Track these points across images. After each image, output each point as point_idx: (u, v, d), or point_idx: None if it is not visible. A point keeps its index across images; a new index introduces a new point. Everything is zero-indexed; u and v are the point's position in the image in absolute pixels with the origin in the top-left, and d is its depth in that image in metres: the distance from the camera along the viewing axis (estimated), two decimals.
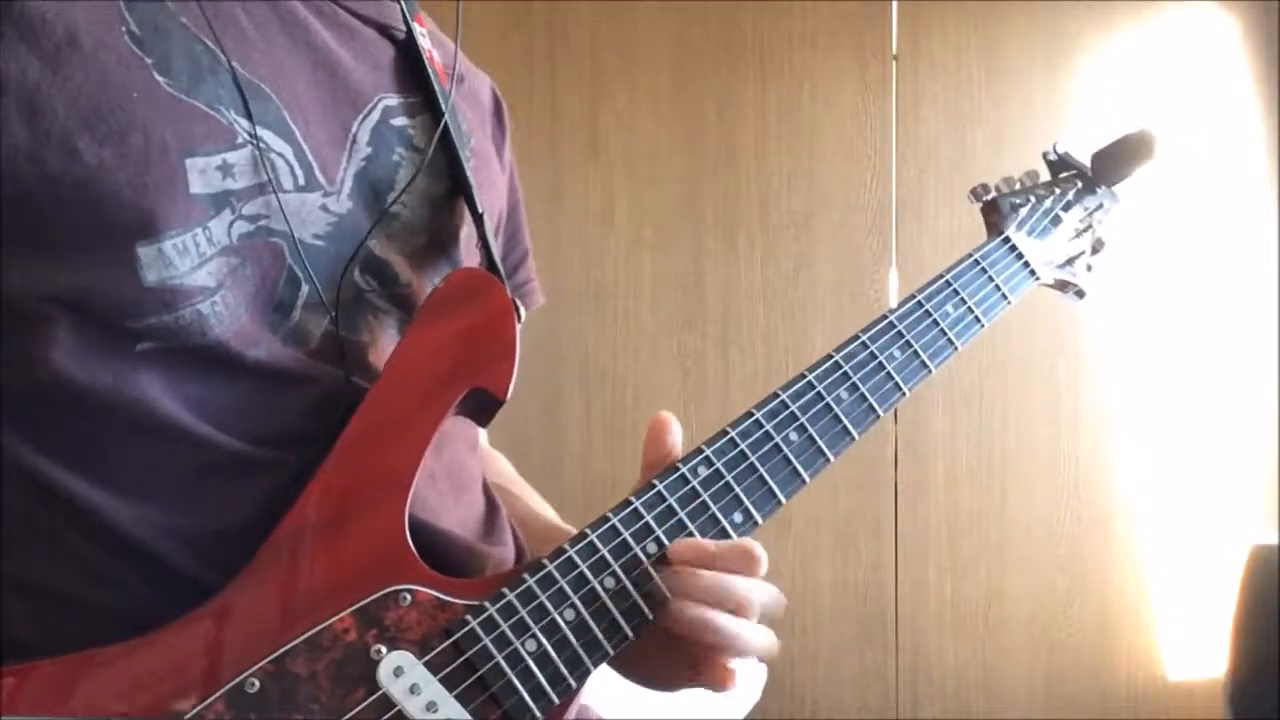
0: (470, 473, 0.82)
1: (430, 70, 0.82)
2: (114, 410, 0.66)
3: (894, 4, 2.52)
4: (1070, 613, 2.53)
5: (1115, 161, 1.04)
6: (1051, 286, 1.03)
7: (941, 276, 0.91)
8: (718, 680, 0.73)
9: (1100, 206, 1.06)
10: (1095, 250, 1.06)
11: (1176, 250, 2.47)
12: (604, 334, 2.44)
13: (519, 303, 0.90)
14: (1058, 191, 1.03)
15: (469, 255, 0.84)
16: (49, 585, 0.66)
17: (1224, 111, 2.50)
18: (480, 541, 0.79)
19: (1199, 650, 2.49)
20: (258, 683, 0.63)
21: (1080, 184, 1.04)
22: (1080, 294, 1.05)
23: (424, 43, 0.83)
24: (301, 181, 0.72)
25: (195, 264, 0.67)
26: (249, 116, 0.70)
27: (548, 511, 0.96)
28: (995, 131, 2.51)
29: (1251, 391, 2.52)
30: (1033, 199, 1.01)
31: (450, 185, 0.81)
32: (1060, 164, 1.07)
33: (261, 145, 0.70)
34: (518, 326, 0.76)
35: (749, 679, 1.91)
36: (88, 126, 0.64)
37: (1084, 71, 2.51)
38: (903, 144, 2.52)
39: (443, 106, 0.81)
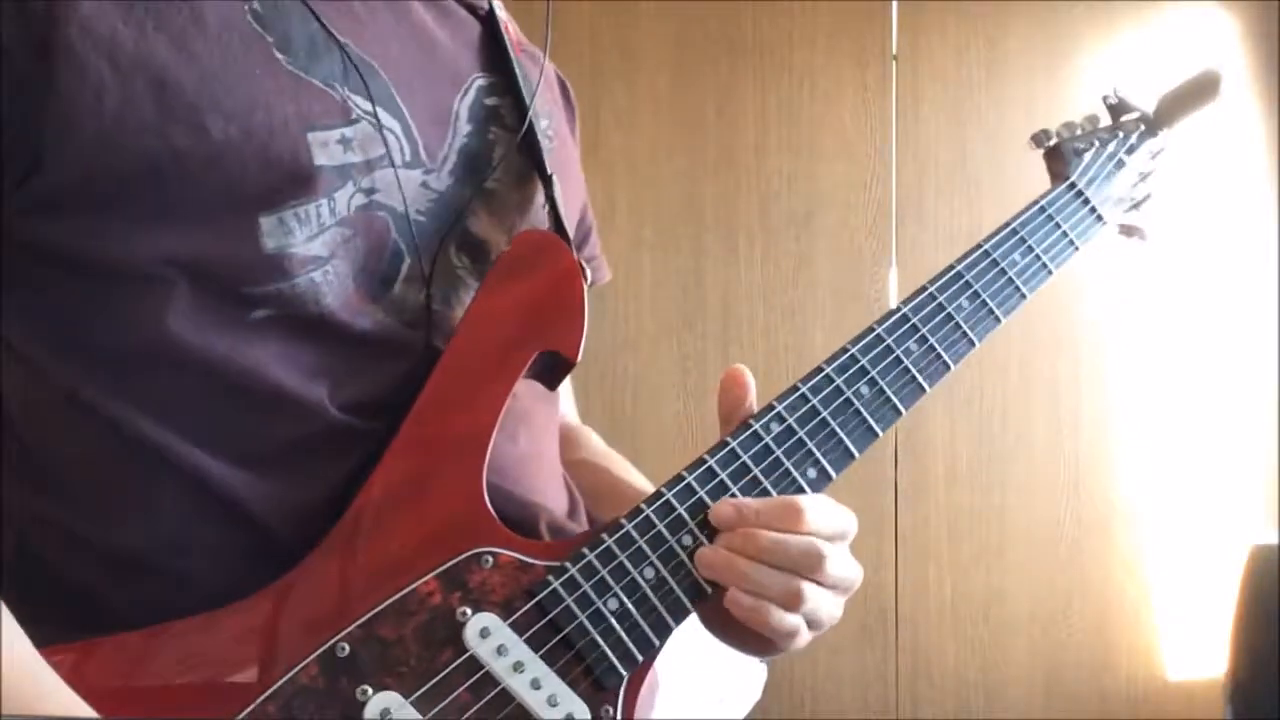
0: (550, 449, 0.84)
1: (512, 49, 0.84)
2: (226, 376, 0.67)
3: (894, 4, 2.52)
4: (1070, 613, 2.53)
5: (1181, 102, 1.03)
6: (1118, 232, 1.02)
7: (1008, 225, 0.90)
8: (786, 639, 0.72)
9: (1163, 149, 1.04)
10: (1157, 191, 1.05)
11: (1177, 250, 2.47)
12: (604, 334, 2.44)
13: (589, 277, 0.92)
14: (1120, 135, 1.01)
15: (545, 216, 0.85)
16: (145, 553, 0.67)
17: (1224, 111, 2.50)
18: (558, 514, 0.79)
19: (1199, 650, 2.48)
20: (348, 647, 0.64)
21: (1144, 126, 1.03)
22: (1143, 238, 1.03)
23: (501, 13, 0.85)
24: (408, 157, 0.74)
25: (314, 233, 0.69)
26: (364, 93, 0.72)
27: (643, 482, 0.96)
28: (995, 131, 2.51)
29: (1251, 391, 2.52)
30: (1096, 143, 0.99)
31: (532, 161, 0.83)
32: (1121, 107, 1.04)
33: (374, 121, 0.72)
34: (585, 287, 0.77)
35: (748, 679, 1.91)
36: (215, 104, 0.66)
37: (1084, 71, 2.51)
38: (903, 144, 2.52)
39: (522, 87, 0.82)
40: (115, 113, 0.64)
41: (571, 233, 0.84)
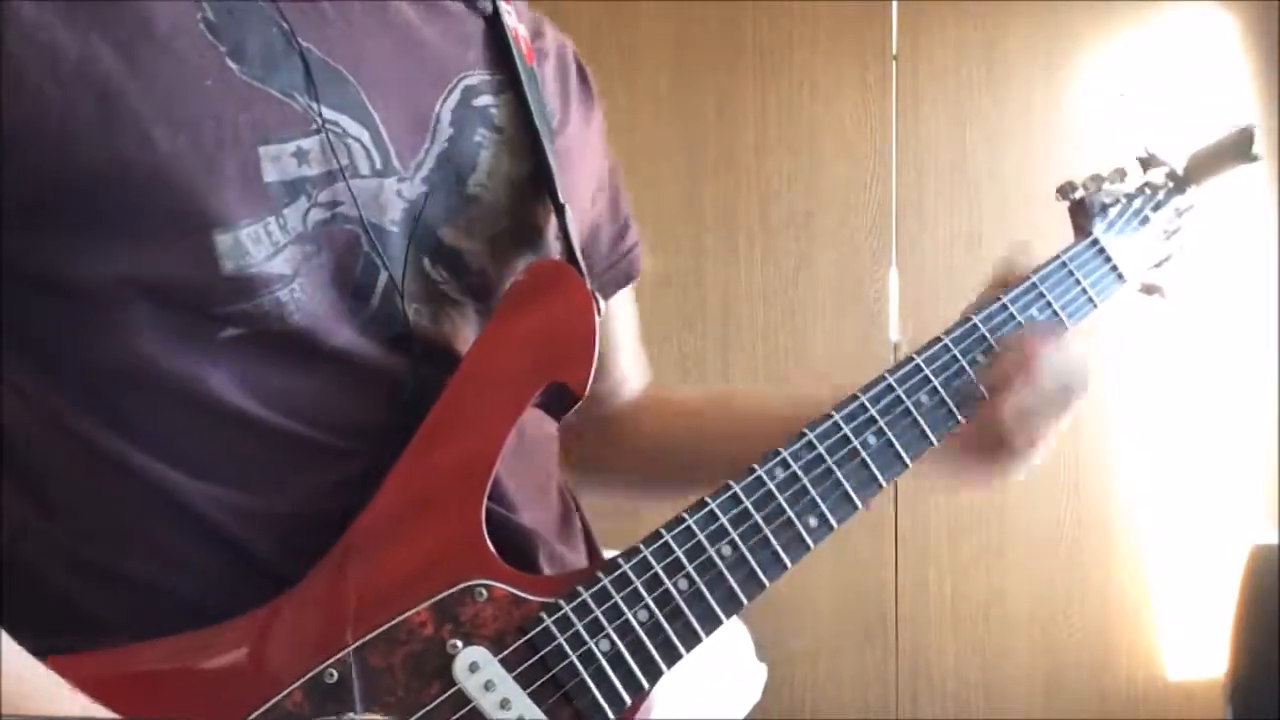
0: (549, 471, 0.82)
1: (514, 47, 0.81)
2: (195, 396, 0.67)
3: (894, 4, 2.52)
4: (1070, 613, 2.53)
5: (1212, 161, 1.00)
6: (1138, 290, 1.00)
7: (1028, 279, 0.88)
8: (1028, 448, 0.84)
9: (1190, 207, 1.02)
10: (1182, 251, 1.03)
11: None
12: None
13: (628, 269, 0.94)
14: (1148, 192, 0.99)
15: (553, 241, 0.82)
16: (125, 569, 0.67)
17: (1224, 111, 2.50)
18: (557, 541, 0.79)
19: (1199, 650, 2.48)
20: (336, 673, 0.63)
21: (1172, 184, 1.01)
22: (1164, 295, 1.01)
23: (509, 20, 0.82)
24: (379, 166, 0.71)
25: (270, 252, 0.67)
26: (328, 100, 0.69)
27: (774, 396, 0.97)
28: (995, 131, 2.51)
29: (1251, 391, 2.52)
30: (1122, 200, 0.97)
31: (532, 168, 0.79)
32: (1150, 162, 1.02)
33: (336, 130, 0.70)
34: (597, 320, 0.75)
35: (748, 679, 1.91)
36: (162, 115, 0.64)
37: (1084, 71, 2.51)
38: (903, 144, 2.52)
39: (525, 86, 0.79)
40: (59, 124, 0.63)
41: (580, 249, 0.81)
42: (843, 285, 2.50)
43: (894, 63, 2.52)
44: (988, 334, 0.84)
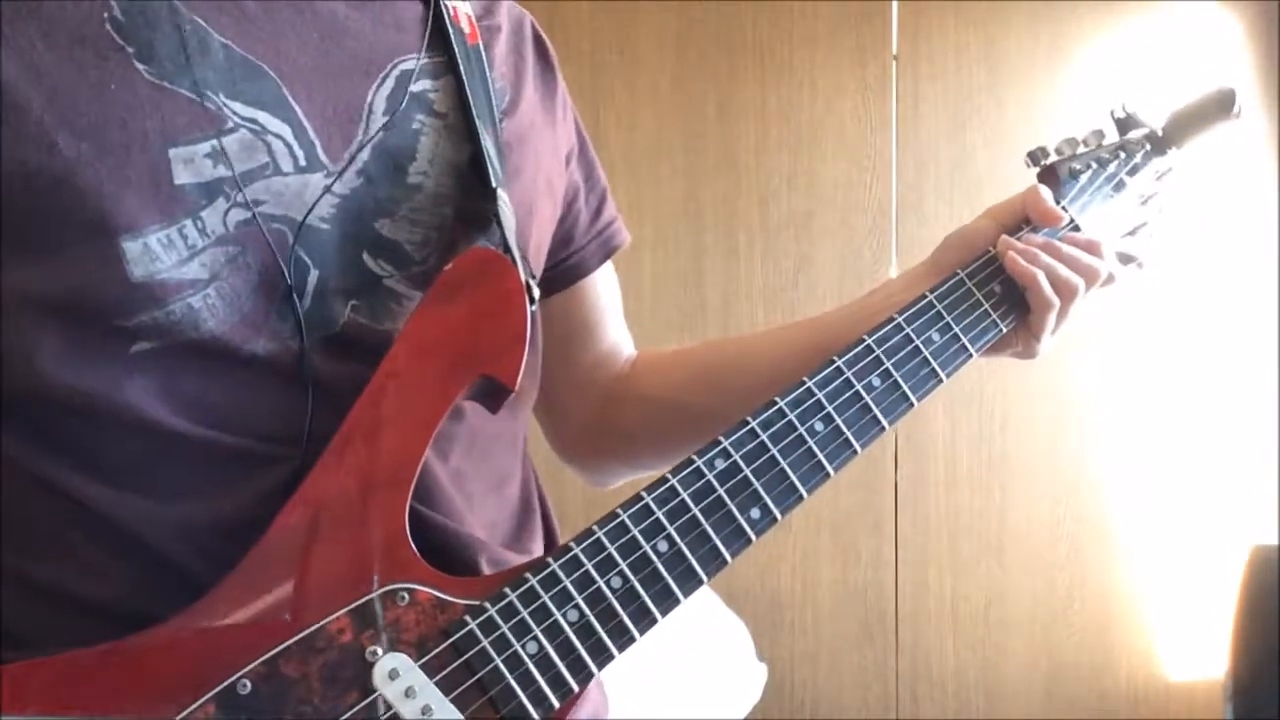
0: (504, 471, 0.80)
1: (451, 27, 0.77)
2: (105, 413, 0.65)
3: (894, 4, 2.52)
4: (1070, 613, 2.53)
5: (1192, 120, 0.96)
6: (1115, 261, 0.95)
7: (986, 253, 0.85)
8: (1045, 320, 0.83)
9: (1170, 170, 0.97)
10: (1159, 217, 0.98)
11: (1178, 249, 2.47)
12: None
13: (609, 241, 0.93)
14: (1123, 155, 0.95)
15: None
16: (45, 580, 0.66)
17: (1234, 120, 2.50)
18: (506, 546, 0.77)
19: (1199, 650, 2.48)
20: (249, 684, 0.61)
21: (1150, 145, 0.96)
22: (1140, 265, 0.96)
23: None
24: (303, 162, 0.69)
25: (184, 256, 0.65)
26: (244, 98, 0.67)
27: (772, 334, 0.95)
28: (995, 131, 2.51)
29: (1252, 391, 2.52)
30: (1094, 164, 0.93)
31: (473, 153, 0.76)
32: (1128, 122, 0.98)
33: (254, 128, 0.67)
34: (529, 310, 0.72)
35: (748, 679, 1.91)
36: (65, 122, 0.63)
37: (1084, 71, 2.51)
38: (903, 144, 2.52)
39: (462, 68, 0.76)
40: None
41: (512, 234, 0.76)
42: (843, 285, 2.50)
43: (894, 63, 2.52)
44: (944, 311, 0.82)
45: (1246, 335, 2.51)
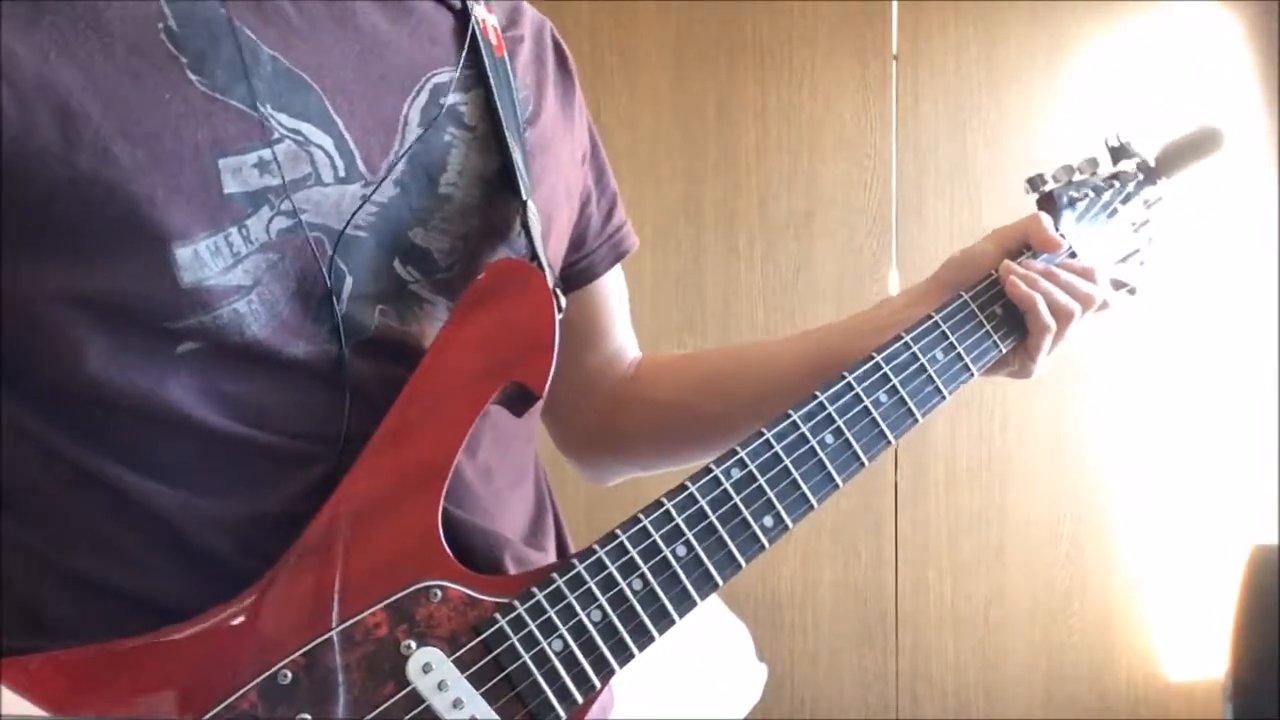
0: (523, 466, 0.83)
1: (482, 41, 0.80)
2: (151, 411, 0.67)
3: (894, 4, 2.52)
4: (1070, 613, 2.53)
5: (1182, 154, 1.00)
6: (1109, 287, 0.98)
7: (989, 276, 0.89)
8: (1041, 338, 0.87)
9: (1160, 199, 1.02)
10: (1150, 244, 1.02)
11: (1178, 249, 2.47)
12: None
13: (619, 245, 0.96)
14: (1117, 184, 0.99)
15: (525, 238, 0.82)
16: (87, 572, 0.67)
17: (1226, 111, 2.50)
18: (525, 543, 0.79)
19: (1199, 650, 2.49)
20: (290, 674, 0.63)
21: (1142, 175, 1.00)
22: (1132, 291, 1.00)
23: (479, 11, 0.81)
24: (342, 173, 0.72)
25: (230, 263, 0.67)
26: (290, 109, 0.70)
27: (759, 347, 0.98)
28: (995, 131, 2.51)
29: (1252, 391, 2.52)
30: (1090, 193, 0.97)
31: (500, 164, 0.79)
32: (1121, 152, 1.02)
33: (299, 139, 0.70)
34: (557, 319, 0.76)
35: (748, 679, 1.91)
36: (122, 130, 0.64)
37: (1084, 71, 2.51)
38: (903, 144, 2.52)
39: (492, 81, 0.79)
40: (16, 141, 0.63)
41: (541, 243, 0.80)
42: (842, 285, 2.50)
43: (894, 63, 2.52)
44: (949, 331, 0.85)
45: (1246, 336, 2.51)
